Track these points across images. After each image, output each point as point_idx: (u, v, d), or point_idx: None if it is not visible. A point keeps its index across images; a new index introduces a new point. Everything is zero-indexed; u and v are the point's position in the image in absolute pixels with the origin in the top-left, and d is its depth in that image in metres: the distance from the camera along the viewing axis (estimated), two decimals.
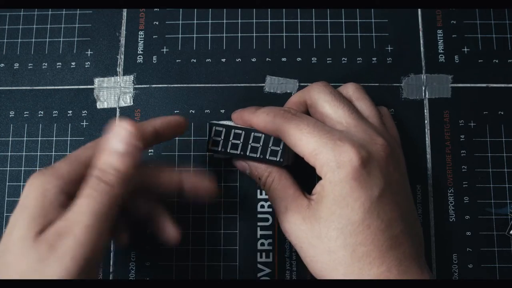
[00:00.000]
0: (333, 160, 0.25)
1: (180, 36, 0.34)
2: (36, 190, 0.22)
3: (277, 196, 0.28)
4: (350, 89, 0.29)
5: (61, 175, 0.23)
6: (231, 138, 0.29)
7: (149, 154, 0.32)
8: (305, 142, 0.26)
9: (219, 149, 0.29)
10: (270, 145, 0.28)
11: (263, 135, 0.28)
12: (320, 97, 0.28)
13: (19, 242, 0.21)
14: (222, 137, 0.29)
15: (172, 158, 0.32)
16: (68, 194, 0.23)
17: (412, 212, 0.27)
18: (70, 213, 0.21)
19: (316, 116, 0.28)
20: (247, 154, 0.28)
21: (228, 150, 0.29)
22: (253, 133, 0.28)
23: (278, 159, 0.28)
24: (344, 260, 0.25)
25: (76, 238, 0.21)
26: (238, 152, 0.29)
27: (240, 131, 0.29)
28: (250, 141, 0.28)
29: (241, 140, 0.29)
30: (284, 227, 0.27)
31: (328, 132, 0.26)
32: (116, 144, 0.22)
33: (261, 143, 0.28)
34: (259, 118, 0.28)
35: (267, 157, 0.28)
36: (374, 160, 0.25)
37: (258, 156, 0.28)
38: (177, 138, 0.33)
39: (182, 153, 0.32)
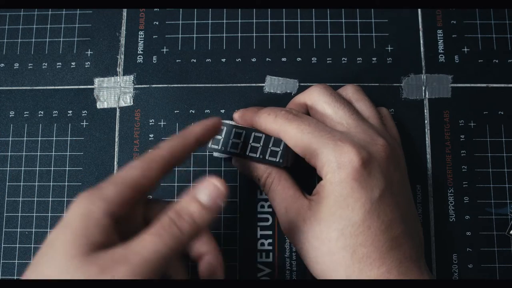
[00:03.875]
0: (333, 161, 0.25)
1: (180, 36, 0.34)
2: (80, 210, 0.22)
3: (277, 197, 0.28)
4: (349, 91, 0.30)
5: (107, 197, 0.22)
6: (231, 137, 0.29)
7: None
8: (306, 142, 0.26)
9: (219, 148, 0.29)
10: (270, 145, 0.28)
11: (264, 135, 0.28)
12: (320, 98, 0.28)
13: (64, 259, 0.20)
14: (223, 136, 0.29)
15: None
16: (112, 216, 0.22)
17: (412, 213, 0.27)
18: (132, 244, 0.21)
19: (316, 117, 0.28)
20: (247, 153, 0.28)
21: (228, 149, 0.29)
22: (253, 133, 0.28)
23: (277, 160, 0.28)
24: (344, 261, 0.25)
25: (131, 267, 0.20)
26: (238, 152, 0.29)
27: (241, 131, 0.29)
28: (251, 141, 0.28)
29: (242, 140, 0.29)
30: (285, 228, 0.27)
31: (329, 132, 0.26)
32: (202, 195, 0.22)
33: (261, 143, 0.28)
34: (261, 118, 0.28)
35: (267, 158, 0.28)
36: (375, 160, 0.25)
37: (257, 156, 0.28)
38: None
39: None
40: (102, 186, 0.23)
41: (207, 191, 0.22)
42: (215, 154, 0.31)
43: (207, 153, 0.32)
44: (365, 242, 0.24)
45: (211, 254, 0.27)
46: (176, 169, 0.32)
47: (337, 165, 0.25)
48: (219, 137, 0.29)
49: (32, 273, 0.21)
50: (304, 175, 0.30)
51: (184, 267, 0.27)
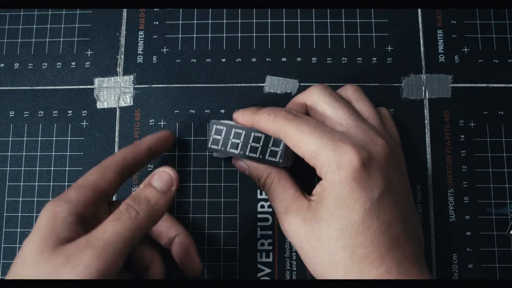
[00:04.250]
0: (333, 161, 0.25)
1: (180, 36, 0.34)
2: (47, 214, 0.24)
3: (276, 197, 0.28)
4: (349, 91, 0.29)
5: (69, 199, 0.24)
6: (231, 137, 0.29)
7: None
8: (306, 142, 0.26)
9: (219, 148, 0.29)
10: (270, 145, 0.28)
11: (263, 135, 0.28)
12: (320, 98, 0.28)
13: (33, 256, 0.22)
14: (222, 136, 0.29)
15: (172, 158, 0.32)
16: (77, 215, 0.24)
17: (412, 213, 0.27)
18: (94, 231, 0.22)
19: (316, 118, 0.28)
20: (247, 154, 0.28)
21: (228, 149, 0.29)
22: (253, 133, 0.28)
23: (277, 160, 0.28)
24: (344, 261, 0.25)
25: (94, 250, 0.21)
26: (238, 152, 0.29)
27: (240, 131, 0.29)
28: (250, 141, 0.28)
29: (241, 140, 0.29)
30: (285, 228, 0.27)
31: (328, 133, 0.26)
32: (156, 182, 0.24)
33: (261, 143, 0.28)
34: (260, 118, 0.28)
35: (267, 158, 0.28)
36: (375, 161, 0.25)
37: (257, 156, 0.28)
38: (177, 138, 0.33)
39: (182, 153, 0.32)
40: (65, 192, 0.25)
41: (160, 178, 0.24)
42: (215, 154, 0.31)
43: (207, 153, 0.32)
44: (364, 242, 0.24)
45: (180, 235, 0.29)
46: (176, 169, 0.32)
47: (336, 165, 0.25)
48: (218, 137, 0.29)
49: (9, 277, 0.22)
50: (304, 175, 0.30)
51: (160, 257, 0.28)
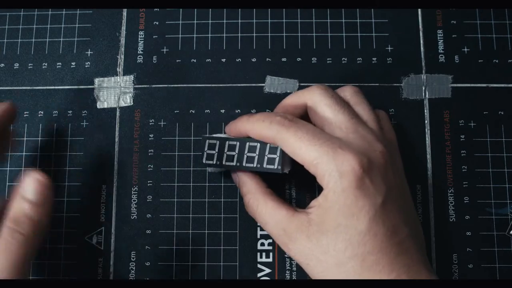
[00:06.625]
0: (334, 170, 0.24)
1: (180, 36, 0.34)
2: None
3: (269, 220, 0.27)
4: (348, 93, 0.29)
5: None
6: (225, 150, 0.28)
7: (149, 154, 0.32)
8: (305, 150, 0.25)
9: (214, 162, 0.28)
10: (266, 153, 0.27)
11: (259, 144, 0.27)
12: (321, 100, 0.27)
13: None
14: (217, 150, 0.28)
15: (172, 158, 0.32)
16: None
17: (413, 216, 0.27)
18: None
19: (315, 119, 0.28)
20: (244, 165, 0.28)
21: (224, 163, 0.28)
22: (248, 143, 0.28)
23: (276, 167, 0.27)
24: (354, 271, 0.24)
25: None
26: (234, 164, 0.28)
27: (234, 142, 0.28)
28: (246, 151, 0.28)
29: (236, 151, 0.28)
30: (288, 248, 0.26)
31: (328, 140, 0.25)
32: (29, 193, 0.23)
33: (257, 153, 0.27)
34: (255, 125, 0.27)
35: (265, 166, 0.27)
36: (375, 167, 0.25)
37: (255, 166, 0.27)
38: (176, 138, 0.33)
39: (182, 153, 0.32)
40: None
41: (32, 187, 0.23)
42: (210, 169, 0.31)
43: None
44: (373, 249, 0.24)
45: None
46: (176, 168, 0.32)
47: (338, 174, 0.24)
48: (212, 151, 0.28)
49: None
50: (305, 177, 0.30)
51: None
